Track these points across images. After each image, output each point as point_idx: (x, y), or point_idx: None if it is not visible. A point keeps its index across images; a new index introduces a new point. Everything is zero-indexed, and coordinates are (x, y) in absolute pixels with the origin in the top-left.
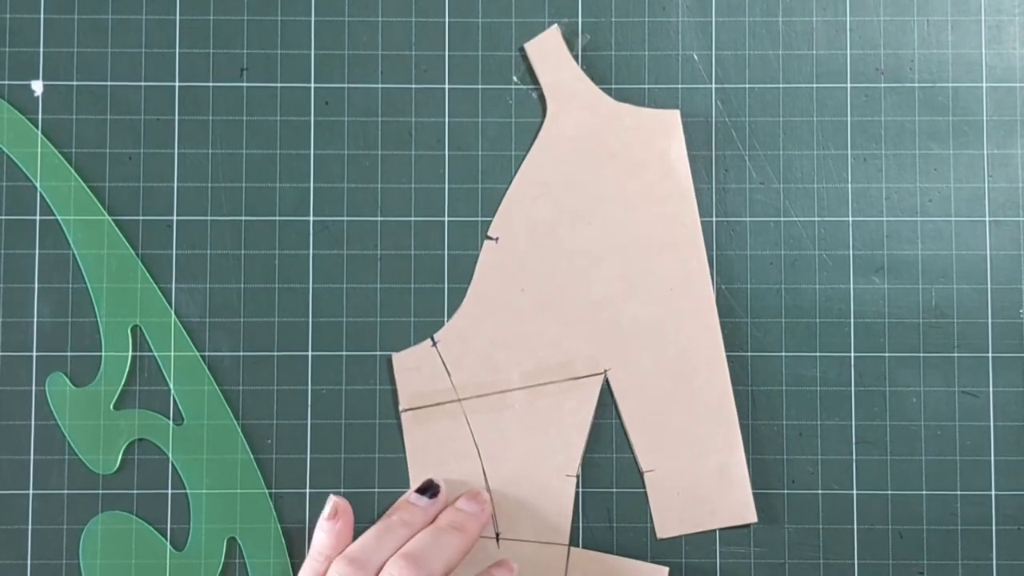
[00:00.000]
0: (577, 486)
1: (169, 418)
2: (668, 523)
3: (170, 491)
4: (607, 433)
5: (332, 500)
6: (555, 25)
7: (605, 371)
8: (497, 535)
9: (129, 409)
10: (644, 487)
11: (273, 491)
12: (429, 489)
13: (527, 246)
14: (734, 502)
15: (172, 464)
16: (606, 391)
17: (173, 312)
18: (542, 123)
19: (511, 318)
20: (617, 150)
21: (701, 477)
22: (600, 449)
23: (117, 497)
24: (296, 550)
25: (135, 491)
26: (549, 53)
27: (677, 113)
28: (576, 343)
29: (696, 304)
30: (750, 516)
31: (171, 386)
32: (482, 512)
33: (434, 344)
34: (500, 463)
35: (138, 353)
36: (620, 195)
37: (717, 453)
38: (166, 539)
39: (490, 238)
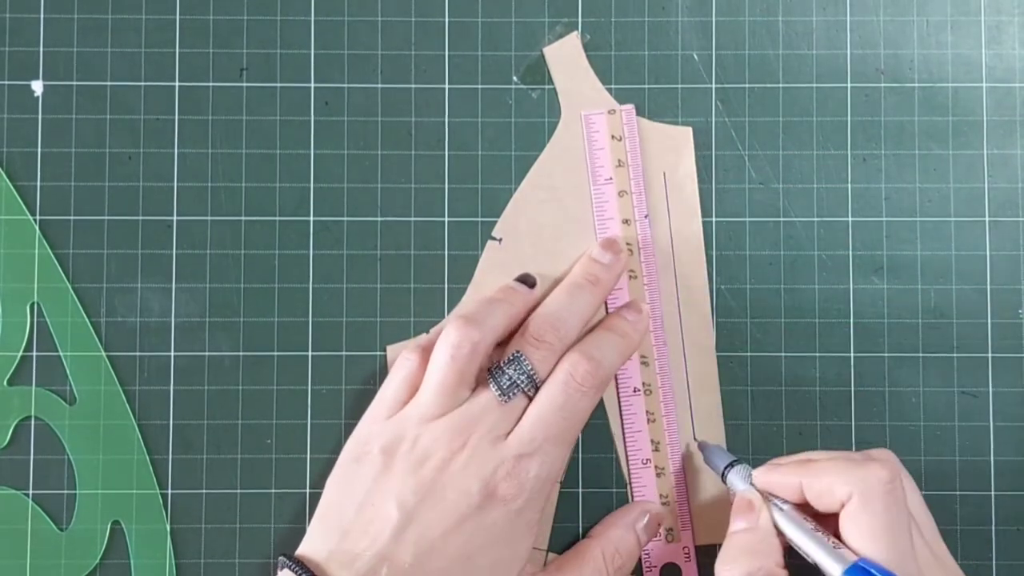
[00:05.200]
0: (577, 487)
1: (64, 400)
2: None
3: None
4: (606, 433)
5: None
6: (575, 32)
7: None
8: None
9: (23, 386)
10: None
11: (273, 491)
12: (526, 281)
13: (530, 249)
14: (718, 520)
15: (62, 443)
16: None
17: (72, 292)
18: (556, 126)
19: None
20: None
21: (686, 489)
22: (600, 449)
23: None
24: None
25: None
26: (567, 59)
27: (689, 130)
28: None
29: (693, 323)
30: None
31: (68, 374)
32: (617, 262)
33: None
34: None
35: (35, 335)
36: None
37: (703, 471)
38: (49, 517)
39: (494, 238)
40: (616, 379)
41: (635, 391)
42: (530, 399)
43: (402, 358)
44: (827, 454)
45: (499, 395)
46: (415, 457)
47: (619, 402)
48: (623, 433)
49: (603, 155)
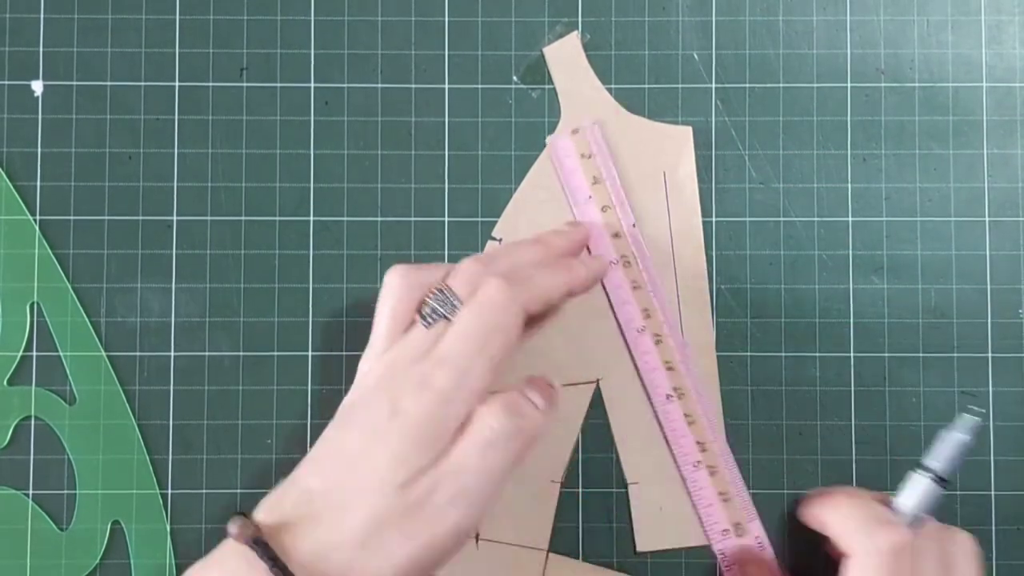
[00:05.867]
0: (577, 487)
1: (64, 400)
2: (648, 537)
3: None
4: (607, 433)
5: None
6: (575, 32)
7: (597, 380)
8: (477, 536)
9: (24, 386)
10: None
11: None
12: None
13: None
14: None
15: (62, 443)
16: (598, 400)
17: (75, 298)
18: (556, 126)
19: None
20: (626, 162)
21: (685, 495)
22: (600, 449)
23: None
24: None
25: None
26: (567, 59)
27: (689, 130)
28: (570, 349)
29: (693, 322)
30: None
31: (68, 374)
32: (594, 261)
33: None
34: None
35: (35, 333)
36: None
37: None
38: (49, 517)
39: (494, 239)
40: (646, 388)
41: (668, 398)
42: None
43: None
44: (877, 496)
45: (423, 323)
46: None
47: (656, 412)
48: (667, 441)
49: (577, 175)
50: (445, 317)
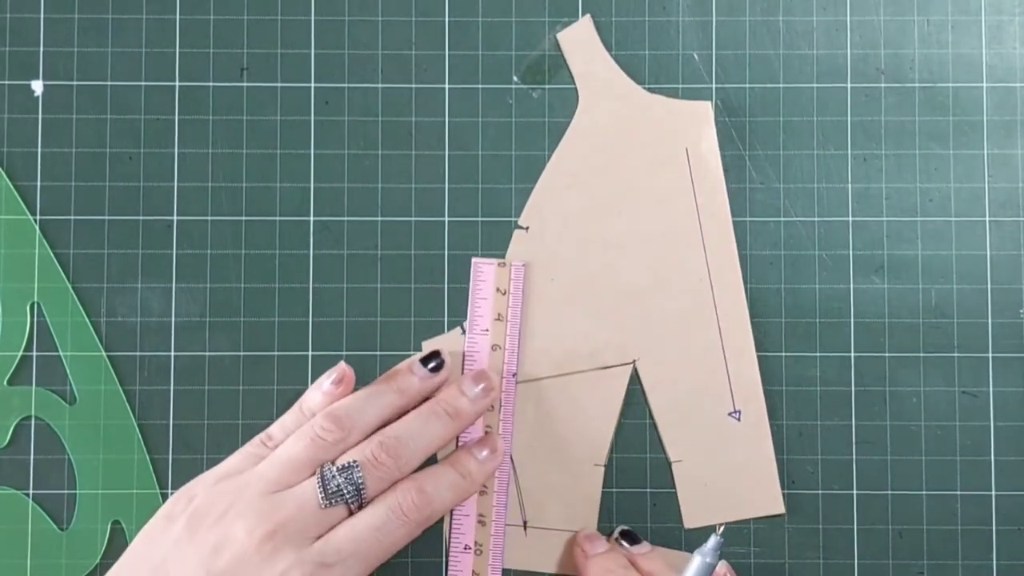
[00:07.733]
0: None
1: (64, 400)
2: (696, 513)
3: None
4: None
5: (340, 366)
6: (588, 16)
7: (634, 361)
8: (525, 523)
9: (24, 386)
10: (673, 479)
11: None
12: (433, 360)
13: (557, 235)
14: (762, 494)
15: (62, 443)
16: (635, 381)
17: (76, 300)
18: (574, 112)
19: (541, 307)
20: (648, 141)
21: (729, 469)
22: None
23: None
24: None
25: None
26: (582, 43)
27: (708, 104)
28: (605, 333)
29: (726, 296)
30: (778, 507)
31: (68, 374)
32: (485, 398)
33: (464, 332)
34: (528, 451)
35: (35, 333)
36: (650, 186)
37: (745, 446)
38: (49, 517)
39: (520, 227)
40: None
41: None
42: (350, 510)
43: (254, 445)
44: None
45: (322, 499)
46: (216, 537)
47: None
48: None
49: (485, 305)
50: (347, 505)
